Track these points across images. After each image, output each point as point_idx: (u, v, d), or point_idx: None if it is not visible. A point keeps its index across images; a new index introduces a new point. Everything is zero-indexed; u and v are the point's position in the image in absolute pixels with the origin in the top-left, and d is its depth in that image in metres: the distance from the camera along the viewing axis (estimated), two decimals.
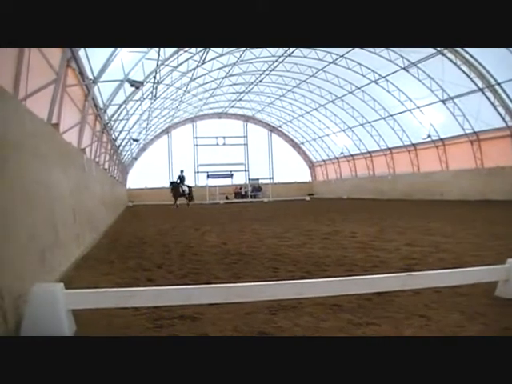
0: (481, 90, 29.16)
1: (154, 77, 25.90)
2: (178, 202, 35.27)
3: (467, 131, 32.49)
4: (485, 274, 5.07)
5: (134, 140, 38.27)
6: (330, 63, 35.61)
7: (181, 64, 28.24)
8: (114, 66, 17.20)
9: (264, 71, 39.26)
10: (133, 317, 4.63)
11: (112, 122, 24.86)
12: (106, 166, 26.35)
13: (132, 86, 19.99)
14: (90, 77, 15.87)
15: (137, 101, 27.77)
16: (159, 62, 23.86)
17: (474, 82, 29.13)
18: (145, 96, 28.70)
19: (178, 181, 35.60)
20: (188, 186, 34.80)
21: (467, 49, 27.40)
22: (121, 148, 35.46)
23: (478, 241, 9.80)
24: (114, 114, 23.50)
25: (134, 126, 33.41)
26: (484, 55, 27.12)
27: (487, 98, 29.21)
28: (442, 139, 35.69)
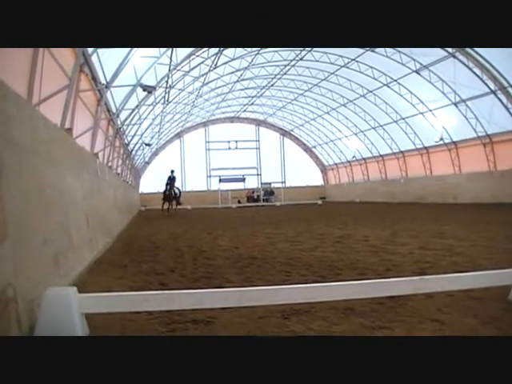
0: (493, 92, 29.01)
1: (166, 81, 26.02)
2: (166, 207, 30.16)
3: (480, 134, 32.32)
4: (498, 278, 5.03)
5: (147, 144, 38.42)
6: (342, 67, 35.60)
7: (193, 69, 28.35)
8: (126, 71, 17.30)
9: (276, 75, 39.31)
10: (145, 321, 4.64)
11: (124, 127, 24.99)
12: (119, 171, 26.48)
13: (144, 90, 20.08)
14: (103, 82, 15.97)
15: (149, 105, 27.90)
16: (171, 67, 23.96)
17: (486, 84, 29.00)
18: (157, 101, 28.83)
19: (168, 182, 29.42)
20: (178, 189, 30.14)
21: (479, 51, 27.30)
22: (133, 152, 35.62)
23: (491, 244, 9.74)
24: (126, 119, 23.61)
25: (146, 130, 33.54)
26: (496, 57, 26.99)
27: (500, 100, 29.06)
28: (454, 142, 35.53)
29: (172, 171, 29.58)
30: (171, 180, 29.00)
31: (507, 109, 29.04)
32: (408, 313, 4.73)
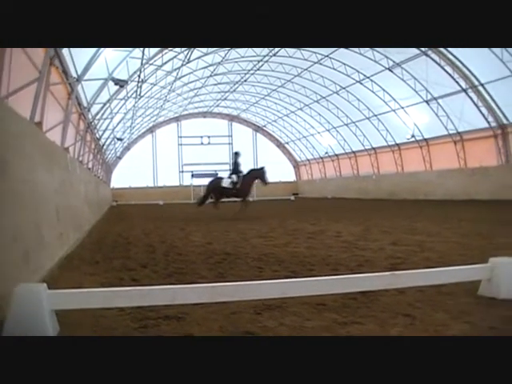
0: (464, 90, 29.43)
1: (139, 75, 25.80)
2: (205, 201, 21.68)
3: (451, 131, 32.77)
4: (468, 273, 5.11)
5: (118, 139, 38.08)
6: (315, 63, 35.72)
7: (165, 63, 28.18)
8: (97, 64, 17.10)
9: (249, 71, 39.27)
10: (117, 317, 4.60)
11: (96, 121, 24.71)
12: (90, 166, 26.21)
13: (116, 84, 19.88)
14: (74, 75, 15.76)
15: (121, 100, 27.63)
16: (144, 61, 23.76)
17: (457, 82, 29.41)
18: (129, 95, 28.58)
19: (232, 168, 20.94)
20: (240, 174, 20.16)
21: (451, 49, 27.65)
22: (105, 147, 35.28)
23: (462, 240, 9.86)
24: (97, 113, 23.35)
25: (118, 125, 33.24)
26: (468, 56, 27.38)
27: (471, 98, 29.49)
28: (425, 139, 35.96)
29: (236, 153, 21.62)
30: (235, 166, 20.77)
31: (478, 107, 29.49)
32: (380, 308, 4.76)
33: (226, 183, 19.72)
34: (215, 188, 20.05)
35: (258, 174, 20.28)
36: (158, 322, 4.42)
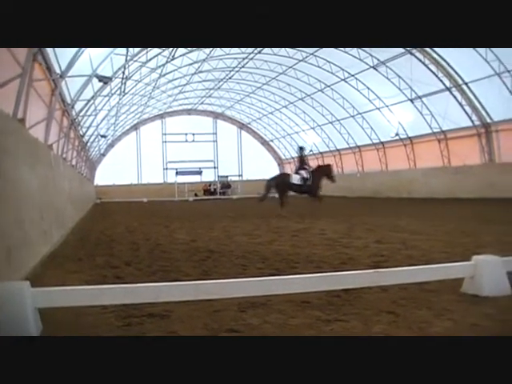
0: (448, 89, 29.64)
1: (123, 72, 25.66)
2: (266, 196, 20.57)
3: (435, 130, 33.00)
4: (451, 271, 5.16)
5: (102, 136, 37.85)
6: (300, 61, 35.75)
7: (150, 60, 28.05)
8: (81, 60, 16.97)
9: (234, 68, 39.21)
10: (101, 315, 4.59)
11: (80, 118, 24.53)
12: (74, 163, 26.03)
13: (100, 81, 19.75)
14: (58, 72, 15.64)
15: (105, 96, 27.45)
16: (128, 58, 23.64)
17: (441, 81, 29.60)
18: (113, 92, 28.40)
19: (299, 163, 19.78)
20: (310, 170, 19.22)
21: (436, 48, 27.79)
22: (88, 144, 35.03)
23: (446, 238, 9.93)
24: (81, 110, 23.18)
25: (102, 121, 33.02)
26: (452, 55, 27.61)
27: (455, 97, 29.71)
28: (410, 138, 36.15)
29: (301, 148, 20.42)
30: (302, 161, 19.70)
31: (461, 106, 29.71)
32: (363, 305, 4.78)
33: (295, 179, 18.80)
34: (283, 184, 19.08)
35: (327, 170, 19.43)
36: (141, 320, 4.41)
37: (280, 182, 19.16)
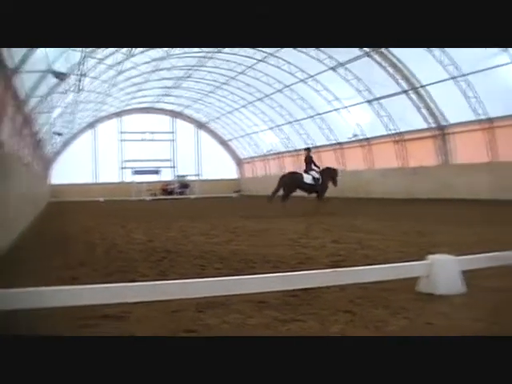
0: (405, 91, 30.11)
1: (80, 69, 25.27)
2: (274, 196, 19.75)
3: (392, 131, 33.47)
4: (408, 270, 5.23)
5: (58, 134, 37.22)
6: (260, 61, 35.83)
7: (108, 56, 27.73)
8: (36, 55, 16.65)
9: (193, 66, 39.04)
10: (55, 317, 4.48)
11: (34, 115, 24.07)
12: (28, 161, 25.52)
13: (56, 77, 19.43)
14: (11, 66, 15.29)
15: (61, 93, 27.02)
16: (85, 54, 23.29)
17: (399, 83, 30.05)
18: (69, 88, 27.96)
19: (308, 164, 19.52)
20: (320, 171, 19.51)
21: (393, 51, 28.27)
22: (43, 142, 34.41)
23: (402, 238, 10.08)
24: (36, 107, 22.76)
25: (57, 119, 32.49)
26: (409, 58, 28.14)
27: (411, 100, 30.25)
28: (367, 139, 36.61)
29: (309, 149, 20.94)
30: (311, 161, 19.67)
31: (418, 108, 30.25)
32: (321, 305, 4.80)
33: (307, 179, 18.79)
34: (295, 183, 18.98)
35: (333, 173, 19.70)
36: (97, 322, 4.34)
37: (294, 181, 19.09)
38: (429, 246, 8.52)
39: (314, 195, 19.76)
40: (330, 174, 19.57)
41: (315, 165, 19.65)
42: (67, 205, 34.12)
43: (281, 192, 19.38)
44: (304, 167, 19.60)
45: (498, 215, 15.25)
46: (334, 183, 19.63)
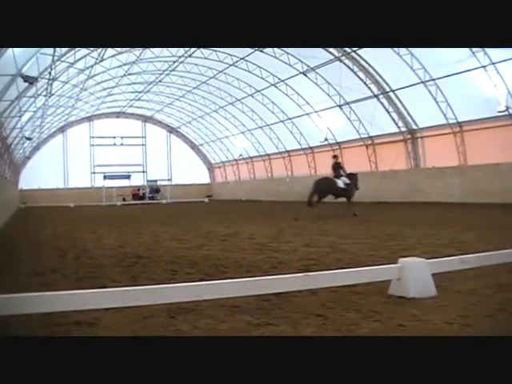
0: (376, 96, 30.46)
1: (50, 73, 24.98)
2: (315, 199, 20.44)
3: (363, 136, 33.83)
4: (379, 273, 5.28)
5: (27, 138, 36.74)
6: (231, 65, 35.82)
7: (78, 60, 27.47)
8: (5, 58, 16.42)
9: (164, 71, 38.86)
10: (25, 324, 4.42)
11: (3, 119, 23.73)
12: None
13: (25, 81, 19.16)
14: None
15: (30, 97, 26.69)
16: (55, 58, 23.05)
17: (369, 88, 30.38)
18: (39, 92, 27.64)
19: (337, 169, 20.16)
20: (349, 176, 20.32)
21: (364, 56, 28.58)
22: (12, 147, 33.93)
23: (372, 241, 10.17)
24: (5, 111, 22.44)
25: (27, 123, 32.07)
26: (379, 63, 28.48)
27: (382, 104, 30.58)
28: (338, 143, 36.86)
29: (336, 156, 21.66)
30: (338, 167, 20.45)
31: (388, 112, 30.62)
32: (293, 309, 4.83)
33: (340, 184, 19.45)
34: (329, 188, 19.62)
35: (357, 178, 20.30)
36: (68, 329, 4.30)
37: (329, 185, 19.64)
38: (399, 249, 8.63)
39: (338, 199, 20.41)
40: (355, 179, 20.21)
41: (344, 170, 20.28)
42: (37, 210, 33.69)
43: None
44: (332, 173, 20.25)
45: (467, 218, 15.46)
46: (356, 187, 20.29)
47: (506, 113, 24.10)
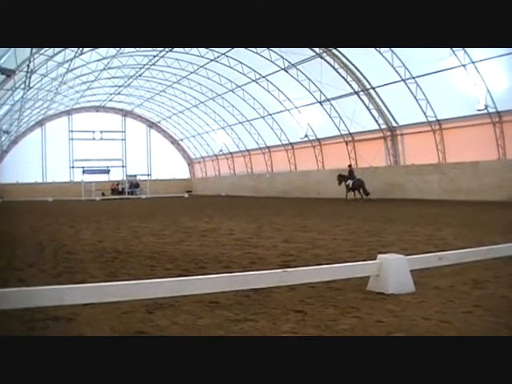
0: (356, 93, 30.60)
1: (28, 65, 24.73)
2: (352, 196, 28.76)
3: (343, 132, 33.95)
4: (357, 270, 5.32)
5: (5, 132, 36.37)
6: (212, 61, 35.73)
7: (57, 54, 27.21)
8: None
9: (144, 65, 38.66)
10: (1, 320, 4.38)
11: None
12: None
13: (3, 73, 18.97)
14: None
15: (8, 90, 26.40)
16: (33, 50, 22.81)
17: (350, 85, 30.52)
18: (17, 85, 27.35)
19: (352, 174, 29.09)
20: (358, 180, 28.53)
21: (345, 53, 28.68)
22: None
23: (352, 237, 10.24)
24: None
25: (4, 116, 31.73)
26: (360, 60, 28.65)
27: (362, 101, 30.75)
28: (318, 139, 36.97)
29: (350, 165, 30.68)
30: (351, 173, 29.12)
31: (369, 109, 30.80)
32: (272, 305, 4.85)
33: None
34: (362, 186, 27.76)
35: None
36: (46, 324, 4.27)
37: (362, 184, 27.81)
38: (378, 245, 8.70)
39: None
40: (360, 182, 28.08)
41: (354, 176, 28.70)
42: (15, 205, 33.36)
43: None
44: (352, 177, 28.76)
45: (445, 215, 15.61)
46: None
47: (484, 111, 24.38)
